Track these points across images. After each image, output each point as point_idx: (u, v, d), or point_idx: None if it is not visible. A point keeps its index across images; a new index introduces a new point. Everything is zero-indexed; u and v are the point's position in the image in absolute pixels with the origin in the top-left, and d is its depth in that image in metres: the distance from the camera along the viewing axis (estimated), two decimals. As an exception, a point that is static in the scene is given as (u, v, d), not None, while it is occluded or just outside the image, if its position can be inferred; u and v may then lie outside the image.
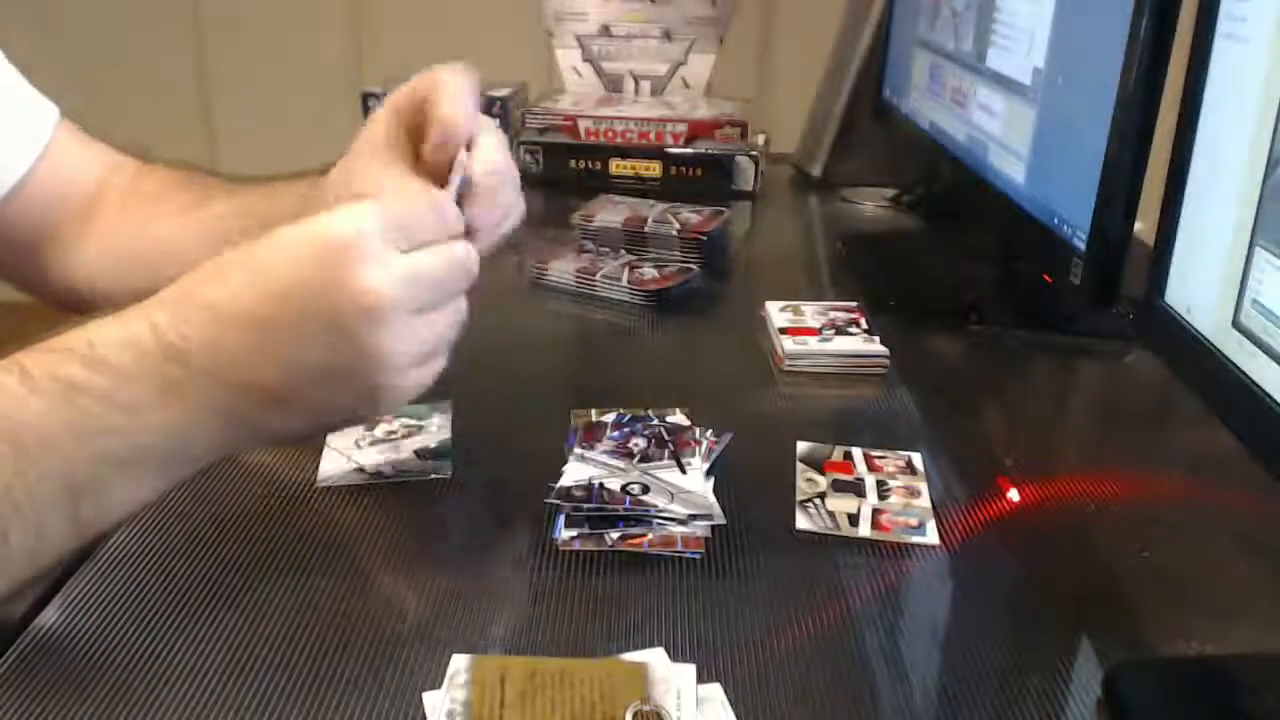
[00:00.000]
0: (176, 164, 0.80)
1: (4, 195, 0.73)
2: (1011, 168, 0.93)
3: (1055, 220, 0.85)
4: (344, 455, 0.70)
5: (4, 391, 0.48)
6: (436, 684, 0.50)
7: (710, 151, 1.38)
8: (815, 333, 0.90)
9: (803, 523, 0.64)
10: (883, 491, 0.67)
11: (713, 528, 0.63)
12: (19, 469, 0.47)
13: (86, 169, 0.77)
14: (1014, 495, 0.71)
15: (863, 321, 0.92)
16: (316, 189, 0.66)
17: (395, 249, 0.52)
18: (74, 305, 0.75)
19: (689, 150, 1.38)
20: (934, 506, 0.66)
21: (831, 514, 0.65)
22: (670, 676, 0.50)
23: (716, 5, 1.51)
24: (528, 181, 1.30)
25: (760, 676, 0.52)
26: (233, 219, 0.70)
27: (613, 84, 1.56)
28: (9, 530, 0.47)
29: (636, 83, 1.55)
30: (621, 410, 0.76)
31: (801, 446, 0.72)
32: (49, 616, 0.55)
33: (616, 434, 0.72)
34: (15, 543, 0.48)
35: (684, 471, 0.68)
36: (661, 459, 0.69)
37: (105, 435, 0.48)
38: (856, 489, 0.68)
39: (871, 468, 0.70)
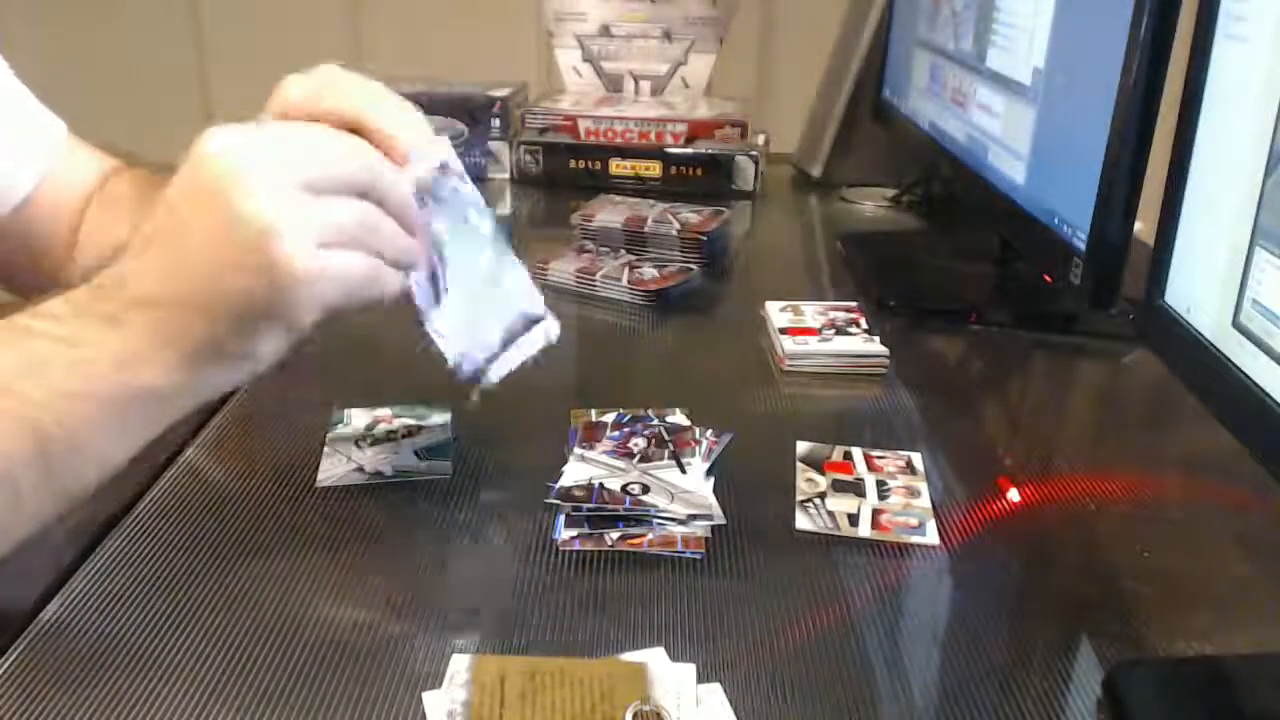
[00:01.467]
0: (155, 166, 0.80)
1: (13, 209, 0.73)
2: (1011, 168, 0.93)
3: (1055, 220, 0.85)
4: (344, 455, 0.70)
5: None
6: (436, 684, 0.50)
7: (710, 151, 1.38)
8: (815, 333, 0.90)
9: (803, 523, 0.64)
10: (883, 491, 0.67)
11: (713, 528, 0.63)
12: None
13: (87, 179, 0.78)
14: (1014, 495, 0.71)
15: (863, 321, 0.92)
16: None
17: (277, 141, 0.53)
18: None
19: (689, 150, 1.38)
20: (934, 506, 0.66)
21: (831, 514, 0.65)
22: (670, 676, 0.50)
23: (716, 5, 1.51)
24: (528, 181, 1.30)
25: (760, 676, 0.52)
26: None
27: (613, 84, 1.56)
28: None
29: (636, 83, 1.55)
30: (621, 410, 0.76)
31: (801, 446, 0.72)
32: (50, 615, 0.55)
33: (616, 434, 0.72)
34: None
35: (684, 471, 0.68)
36: (661, 459, 0.69)
37: (55, 368, 0.50)
38: (856, 489, 0.68)
39: (871, 468, 0.70)
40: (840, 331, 0.90)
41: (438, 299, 0.61)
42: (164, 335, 0.51)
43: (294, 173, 0.51)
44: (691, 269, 1.05)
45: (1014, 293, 1.02)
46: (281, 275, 0.50)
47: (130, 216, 0.75)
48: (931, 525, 0.64)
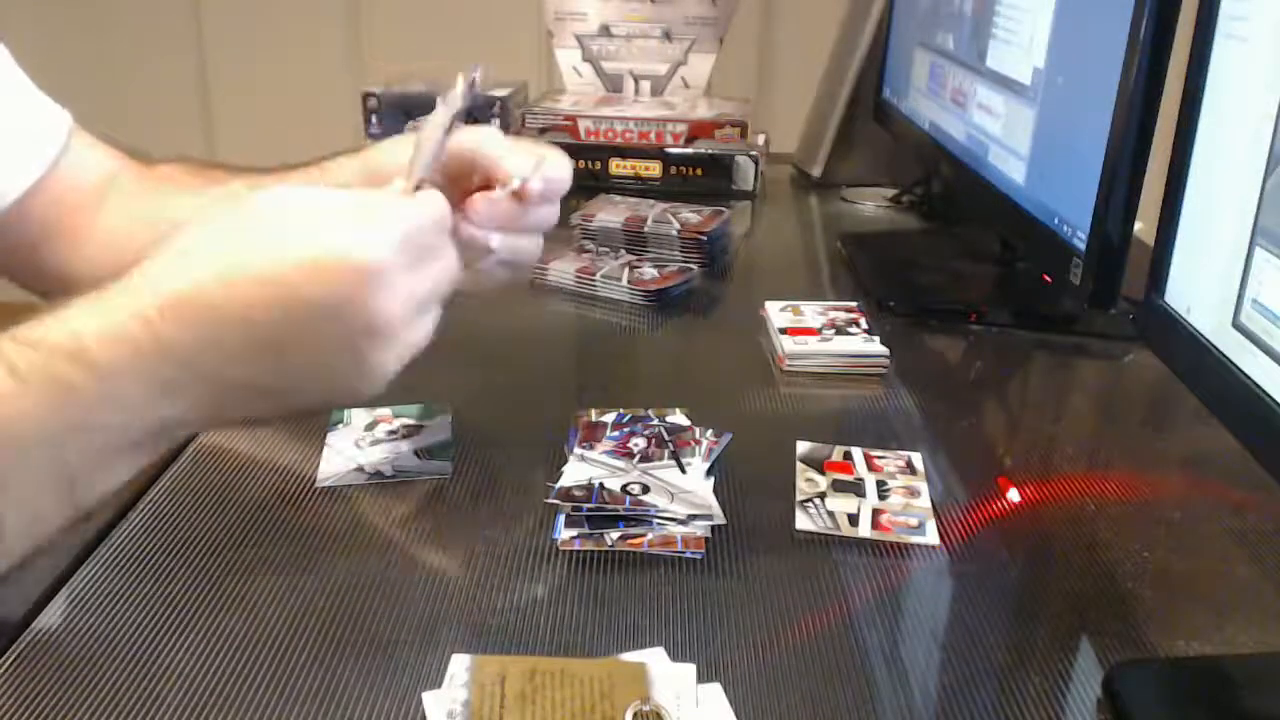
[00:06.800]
0: (189, 157, 0.81)
1: (17, 198, 0.73)
2: (1011, 168, 0.93)
3: (1055, 220, 0.85)
4: (344, 455, 0.70)
5: None
6: (436, 684, 0.50)
7: (710, 151, 1.38)
8: (815, 333, 0.90)
9: (803, 523, 0.64)
10: (883, 491, 0.67)
11: (713, 528, 0.63)
12: (15, 464, 0.47)
13: (93, 170, 0.78)
14: (1014, 495, 0.71)
15: (863, 321, 0.92)
16: (326, 175, 0.67)
17: (407, 271, 0.52)
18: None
19: (689, 150, 1.38)
20: (934, 506, 0.66)
21: (831, 514, 0.65)
22: (670, 676, 0.50)
23: (716, 5, 1.51)
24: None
25: (760, 676, 0.52)
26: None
27: (613, 84, 1.56)
28: (4, 516, 0.47)
29: (636, 83, 1.55)
30: (621, 410, 0.76)
31: (801, 446, 0.72)
32: (50, 616, 0.55)
33: (616, 434, 0.72)
34: (10, 526, 0.48)
35: (684, 471, 0.68)
36: (661, 459, 0.69)
37: (99, 431, 0.49)
38: (856, 489, 0.68)
39: (871, 468, 0.70)
40: (840, 331, 0.90)
41: None
42: (219, 409, 0.51)
43: (415, 293, 0.52)
44: (691, 269, 1.05)
45: (1014, 293, 1.02)
46: (361, 390, 0.53)
47: (186, 194, 0.74)
48: (931, 525, 0.64)
